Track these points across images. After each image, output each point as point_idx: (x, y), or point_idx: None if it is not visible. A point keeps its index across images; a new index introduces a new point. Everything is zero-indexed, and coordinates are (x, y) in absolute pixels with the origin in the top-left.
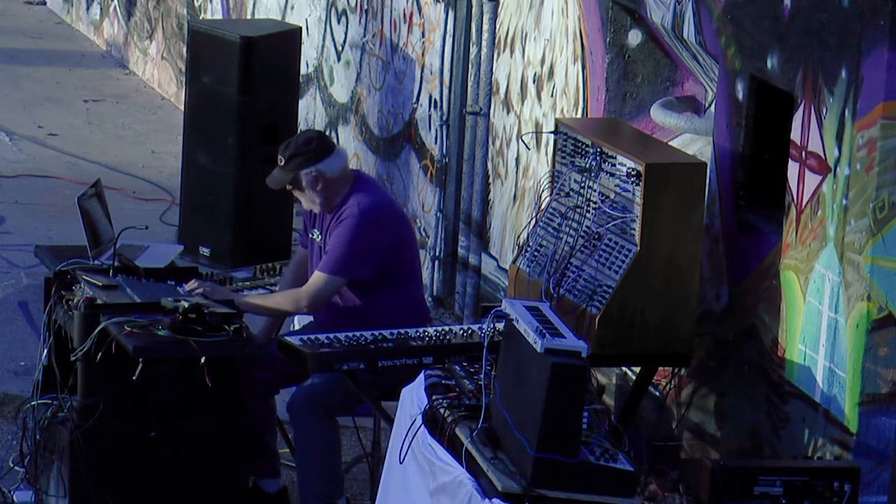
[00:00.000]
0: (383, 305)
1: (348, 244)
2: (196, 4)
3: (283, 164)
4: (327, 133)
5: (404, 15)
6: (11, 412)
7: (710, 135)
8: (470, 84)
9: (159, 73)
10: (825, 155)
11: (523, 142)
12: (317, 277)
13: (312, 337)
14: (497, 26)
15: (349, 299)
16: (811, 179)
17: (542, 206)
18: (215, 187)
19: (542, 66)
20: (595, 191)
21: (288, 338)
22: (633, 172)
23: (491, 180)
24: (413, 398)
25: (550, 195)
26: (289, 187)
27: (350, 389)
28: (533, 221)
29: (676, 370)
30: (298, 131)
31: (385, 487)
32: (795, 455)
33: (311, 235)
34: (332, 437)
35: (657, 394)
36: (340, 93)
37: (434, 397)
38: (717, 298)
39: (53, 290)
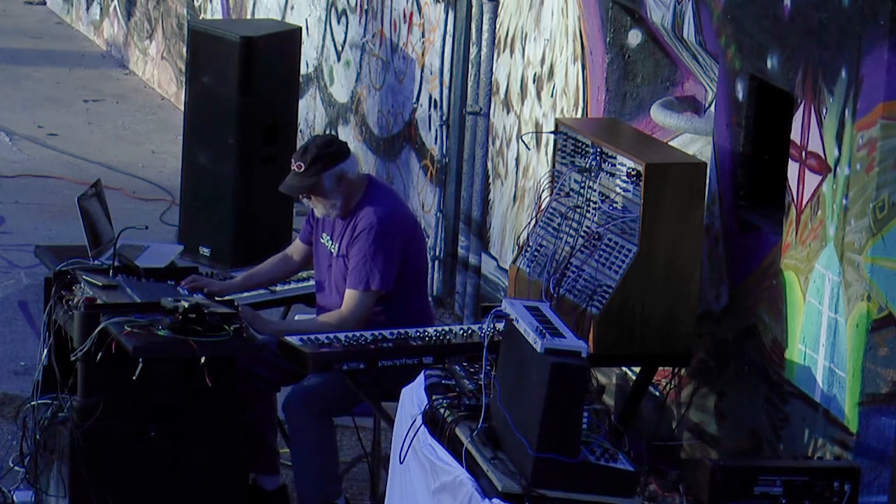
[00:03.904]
0: (391, 314)
1: (373, 257)
2: (196, 4)
3: (303, 170)
4: (327, 133)
5: (404, 15)
6: (11, 412)
7: (710, 135)
8: (470, 84)
9: (159, 73)
10: (825, 155)
11: (523, 142)
12: (352, 296)
13: (312, 337)
14: (497, 26)
15: None
16: (811, 179)
17: (542, 206)
18: (215, 187)
19: (542, 66)
20: (595, 191)
21: (288, 338)
22: (633, 172)
23: (491, 180)
24: (413, 398)
25: (550, 195)
26: (302, 196)
27: (346, 389)
28: (533, 221)
29: (676, 370)
30: (298, 131)
31: (391, 488)
32: (795, 455)
33: (321, 240)
34: (329, 437)
35: (657, 394)
36: (340, 93)
37: (434, 397)
38: (717, 298)
39: (53, 290)
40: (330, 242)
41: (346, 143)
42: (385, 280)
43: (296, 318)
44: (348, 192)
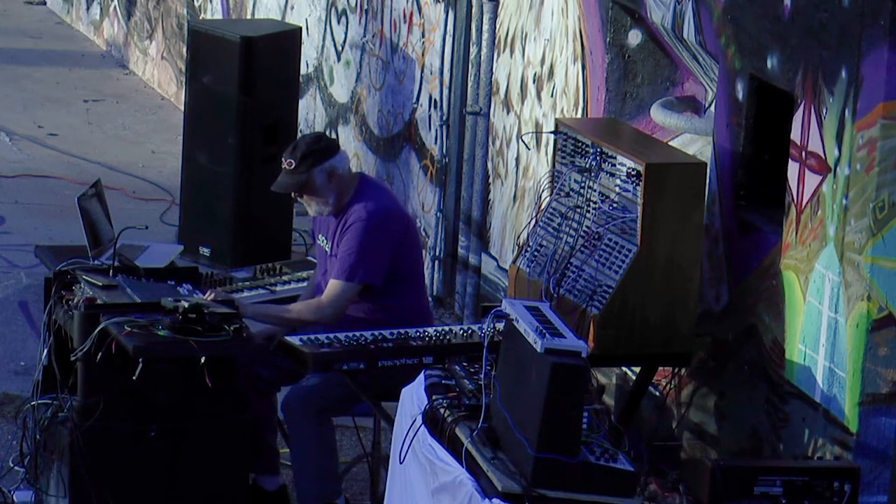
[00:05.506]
0: (387, 312)
1: (359, 249)
2: (196, 4)
3: (293, 167)
4: (327, 133)
5: (404, 15)
6: (11, 412)
7: (710, 135)
8: (470, 84)
9: (159, 73)
10: (825, 155)
11: (523, 142)
12: (334, 285)
13: (312, 337)
14: (497, 26)
15: (352, 308)
16: (811, 179)
17: (542, 206)
18: (215, 187)
19: (542, 66)
20: (595, 191)
21: (288, 338)
22: (633, 172)
23: (491, 180)
24: (413, 398)
25: (550, 195)
26: (295, 195)
27: (346, 389)
28: (533, 221)
29: (676, 370)
30: (298, 131)
31: (390, 488)
32: (795, 455)
33: (319, 242)
34: (328, 437)
35: (657, 394)
36: (340, 93)
37: (434, 397)
38: (717, 298)
39: (53, 290)
40: (325, 242)
41: (335, 140)
42: (370, 274)
43: None
44: (340, 188)
